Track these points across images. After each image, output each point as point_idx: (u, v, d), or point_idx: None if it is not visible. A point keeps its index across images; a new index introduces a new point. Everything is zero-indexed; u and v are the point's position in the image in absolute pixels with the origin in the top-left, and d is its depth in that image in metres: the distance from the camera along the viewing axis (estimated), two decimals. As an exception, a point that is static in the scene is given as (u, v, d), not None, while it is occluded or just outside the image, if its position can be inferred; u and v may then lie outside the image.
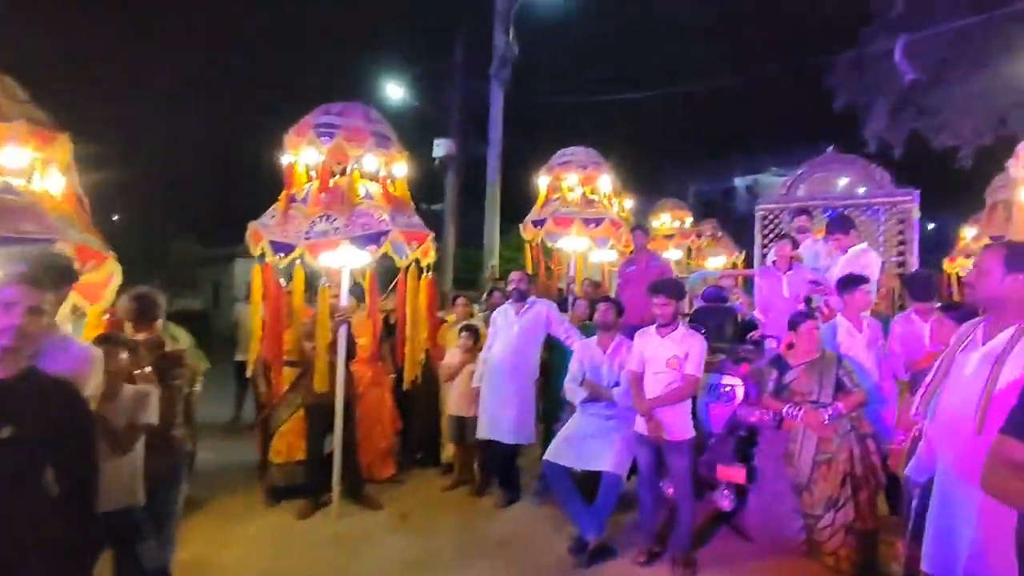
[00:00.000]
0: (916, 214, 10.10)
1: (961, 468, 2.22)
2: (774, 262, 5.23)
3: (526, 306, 4.82)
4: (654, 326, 3.85)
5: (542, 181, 6.79)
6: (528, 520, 4.50)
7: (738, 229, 13.93)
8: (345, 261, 4.20)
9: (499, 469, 4.89)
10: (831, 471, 3.61)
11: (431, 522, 4.45)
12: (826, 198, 8.31)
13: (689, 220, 10.77)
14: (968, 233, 11.18)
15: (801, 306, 4.76)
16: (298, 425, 4.68)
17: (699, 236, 10.65)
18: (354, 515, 4.51)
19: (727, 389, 4.12)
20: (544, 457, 4.10)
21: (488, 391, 4.77)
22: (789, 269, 5.07)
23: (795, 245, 5.16)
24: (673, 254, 9.43)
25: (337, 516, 4.43)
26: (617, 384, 4.05)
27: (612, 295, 5.64)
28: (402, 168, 4.45)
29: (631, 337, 4.00)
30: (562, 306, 5.50)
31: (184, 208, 23.02)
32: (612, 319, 4.18)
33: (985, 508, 2.19)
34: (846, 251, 4.96)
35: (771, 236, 11.11)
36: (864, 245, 5.13)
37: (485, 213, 11.27)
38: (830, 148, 11.11)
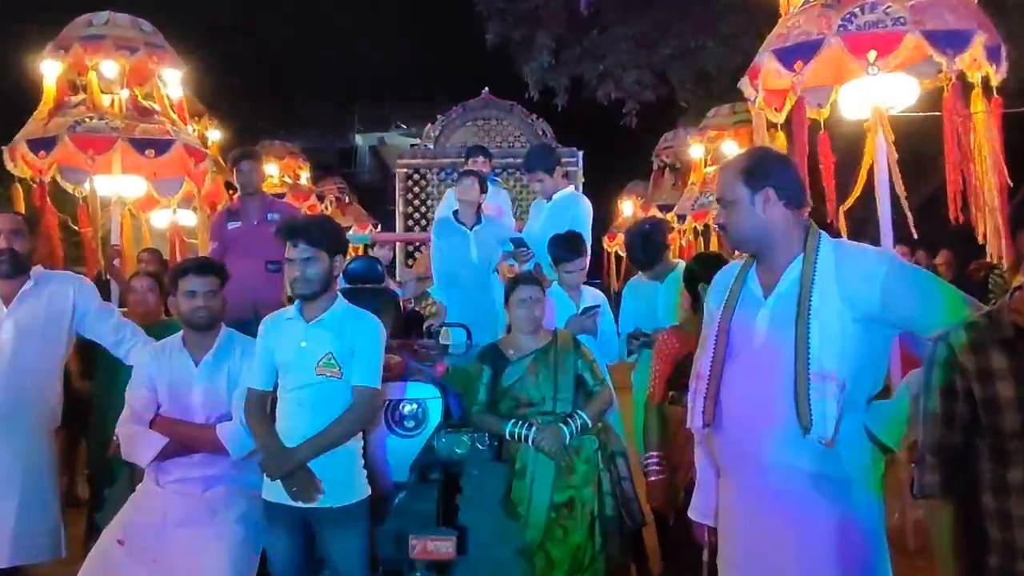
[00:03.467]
0: (580, 179, 11.40)
1: (772, 489, 1.99)
2: (455, 212, 4.86)
3: (25, 286, 3.37)
4: (292, 306, 3.07)
5: (48, 70, 5.21)
6: None
7: (364, 199, 13.99)
8: None
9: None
10: (575, 515, 3.36)
11: None
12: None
13: (306, 175, 10.31)
14: (626, 207, 13.21)
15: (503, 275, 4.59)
16: None
17: (320, 199, 10.45)
18: None
19: (413, 408, 3.53)
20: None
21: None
22: (478, 222, 4.76)
23: (483, 187, 4.87)
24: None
25: None
26: (225, 418, 3.13)
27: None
28: None
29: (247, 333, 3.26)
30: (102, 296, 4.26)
31: None
32: (216, 306, 3.21)
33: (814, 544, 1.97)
34: (551, 197, 4.86)
35: (418, 203, 11.36)
36: (571, 189, 5.18)
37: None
38: (485, 90, 11.86)
